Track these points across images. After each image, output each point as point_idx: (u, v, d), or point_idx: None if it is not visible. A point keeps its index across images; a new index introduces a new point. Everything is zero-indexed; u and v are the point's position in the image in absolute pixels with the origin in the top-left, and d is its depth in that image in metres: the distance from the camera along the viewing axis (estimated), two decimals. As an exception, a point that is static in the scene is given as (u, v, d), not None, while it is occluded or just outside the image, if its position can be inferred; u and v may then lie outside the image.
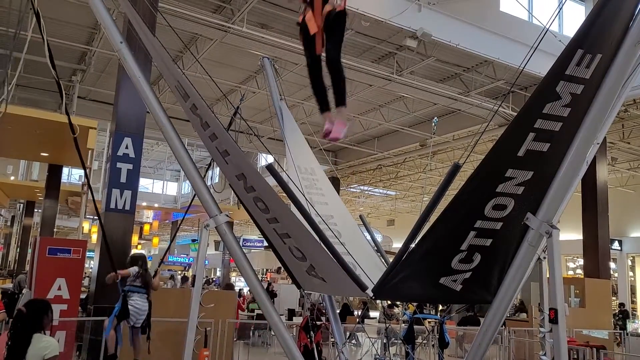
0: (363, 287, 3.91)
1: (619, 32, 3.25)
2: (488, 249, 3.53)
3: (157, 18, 8.75)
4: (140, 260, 6.31)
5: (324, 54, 3.84)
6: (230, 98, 15.82)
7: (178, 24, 10.53)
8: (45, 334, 4.22)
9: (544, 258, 3.98)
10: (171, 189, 39.60)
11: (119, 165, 7.70)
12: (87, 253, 8.15)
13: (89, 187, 6.27)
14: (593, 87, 3.25)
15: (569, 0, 14.58)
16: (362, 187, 26.40)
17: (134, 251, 8.53)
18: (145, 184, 32.19)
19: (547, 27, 3.54)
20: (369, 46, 13.01)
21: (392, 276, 3.69)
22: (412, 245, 3.53)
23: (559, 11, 12.37)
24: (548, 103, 3.21)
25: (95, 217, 22.75)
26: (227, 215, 3.93)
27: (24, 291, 9.34)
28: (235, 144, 3.71)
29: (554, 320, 3.02)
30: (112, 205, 7.57)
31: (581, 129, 3.20)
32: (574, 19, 14.41)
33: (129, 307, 5.97)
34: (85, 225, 21.76)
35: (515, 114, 12.84)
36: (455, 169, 3.51)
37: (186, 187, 36.86)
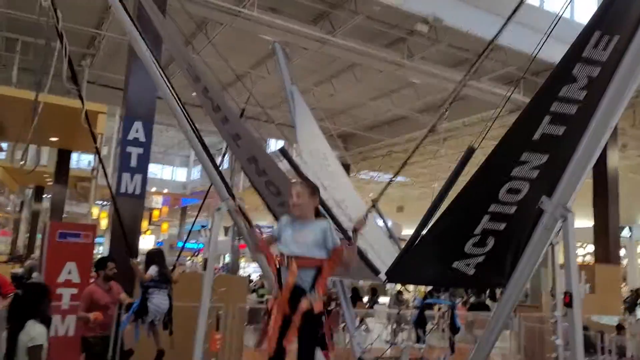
0: (376, 271, 3.93)
1: (637, 13, 3.19)
2: (502, 233, 3.52)
3: (168, 0, 8.75)
4: (157, 257, 6.16)
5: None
6: (240, 84, 15.77)
7: (188, 7, 10.48)
8: (48, 319, 4.18)
9: (557, 243, 3.96)
10: (180, 174, 39.77)
11: (129, 149, 7.68)
12: (97, 239, 8.19)
13: (105, 172, 6.27)
14: (610, 70, 3.21)
15: (582, -16, 14.34)
16: (372, 174, 26.34)
17: (145, 245, 8.47)
18: (154, 169, 32.36)
19: (560, 14, 3.48)
20: (379, 31, 12.88)
21: (405, 260, 3.70)
22: (425, 230, 3.53)
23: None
24: (564, 86, 3.18)
25: (104, 203, 22.91)
26: (240, 199, 3.93)
27: (34, 275, 9.44)
28: (246, 128, 3.69)
29: (569, 304, 3.00)
30: (123, 190, 7.56)
31: (598, 112, 3.17)
32: (586, 5, 14.19)
33: (149, 304, 5.78)
34: (95, 211, 21.93)
35: (527, 100, 12.76)
36: (470, 152, 3.50)
37: (195, 172, 36.98)
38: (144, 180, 7.77)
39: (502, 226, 3.51)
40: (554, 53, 4.44)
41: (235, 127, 4.03)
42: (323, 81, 16.54)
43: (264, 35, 11.98)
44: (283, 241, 3.32)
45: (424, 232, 3.53)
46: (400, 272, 3.73)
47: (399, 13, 11.62)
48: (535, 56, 3.75)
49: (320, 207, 3.52)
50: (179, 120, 3.69)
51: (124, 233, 5.98)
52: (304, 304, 3.12)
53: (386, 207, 29.45)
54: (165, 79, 3.66)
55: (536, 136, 3.27)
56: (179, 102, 3.62)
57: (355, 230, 3.32)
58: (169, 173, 39.52)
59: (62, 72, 5.02)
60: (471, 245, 3.54)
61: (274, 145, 26.04)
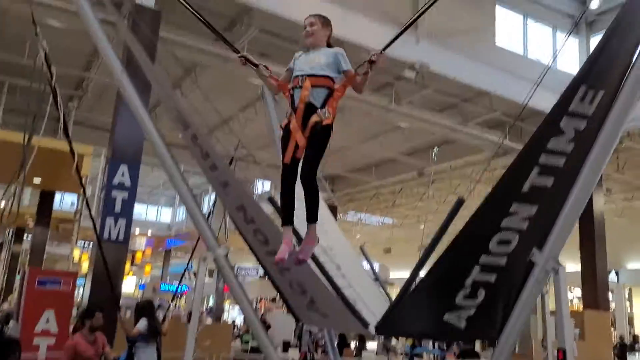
0: (365, 324, 3.84)
1: (621, 69, 3.27)
2: (493, 285, 3.47)
3: (157, 45, 8.82)
4: (147, 310, 5.96)
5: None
6: (229, 125, 15.83)
7: (178, 52, 10.59)
8: None
9: (546, 292, 3.92)
10: (165, 214, 39.32)
11: (114, 194, 7.58)
12: (78, 281, 7.97)
13: (92, 218, 6.14)
14: (596, 123, 3.25)
15: (563, 34, 14.81)
16: (359, 215, 26.31)
17: (126, 288, 8.28)
18: (139, 209, 31.98)
19: (548, 65, 3.56)
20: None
21: (395, 312, 3.63)
22: (416, 282, 3.48)
23: (559, 50, 12.58)
24: (552, 138, 3.21)
25: (86, 245, 22.44)
26: (226, 248, 3.86)
27: (10, 323, 9.11)
28: (235, 176, 3.65)
29: (562, 361, 2.94)
30: (106, 236, 7.40)
31: (585, 166, 3.19)
32: (568, 53, 14.62)
33: None
34: (76, 253, 21.43)
35: (512, 144, 12.91)
36: (459, 204, 3.48)
37: (181, 213, 36.63)
38: (128, 225, 7.63)
39: (493, 278, 3.48)
40: (538, 100, 4.51)
41: (224, 174, 3.99)
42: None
43: (252, 80, 12.10)
44: (297, 68, 3.52)
45: (414, 284, 3.48)
46: (390, 324, 3.65)
47: (387, 59, 11.83)
48: (525, 105, 3.81)
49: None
50: (169, 176, 3.65)
51: (112, 285, 5.81)
52: (314, 118, 3.33)
53: (374, 250, 29.46)
54: (155, 132, 3.65)
55: (525, 188, 3.29)
56: (171, 158, 3.59)
57: (371, 62, 3.42)
58: (153, 213, 39.09)
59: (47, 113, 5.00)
60: (462, 297, 3.49)
61: (261, 186, 26.01)
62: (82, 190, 5.77)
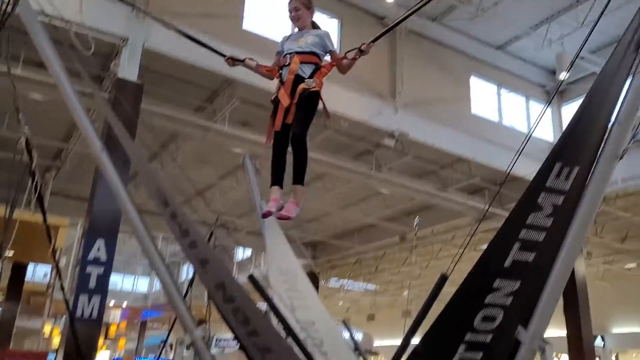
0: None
1: (595, 143, 3.34)
2: (479, 364, 3.39)
3: (139, 117, 8.87)
4: None
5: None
6: (210, 193, 15.78)
7: (159, 122, 10.68)
8: None
9: (534, 366, 3.82)
10: (142, 284, 38.21)
11: (89, 269, 7.38)
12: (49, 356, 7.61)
13: (64, 295, 5.92)
14: (573, 198, 3.29)
15: (536, 103, 15.37)
16: (341, 281, 25.98)
17: None
18: (115, 279, 31.09)
19: (529, 134, 3.64)
20: (348, 144, 13.29)
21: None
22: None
23: (536, 124, 12.98)
24: (531, 213, 3.23)
25: (57, 320, 21.53)
26: (203, 330, 3.72)
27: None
28: (215, 253, 3.59)
29: None
30: (79, 313, 7.14)
31: (566, 240, 3.20)
32: (541, 121, 15.08)
33: None
34: (47, 328, 20.48)
35: (492, 209, 13.05)
36: (442, 280, 3.44)
37: (158, 283, 35.61)
38: (103, 301, 7.38)
39: (479, 356, 3.40)
40: (516, 166, 4.60)
41: (203, 252, 3.91)
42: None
43: (234, 149, 12.19)
44: (286, 48, 3.78)
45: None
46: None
47: (366, 128, 12.08)
48: (508, 175, 3.86)
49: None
50: (147, 256, 3.58)
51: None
52: (302, 85, 3.55)
53: (357, 317, 28.96)
54: (135, 213, 3.60)
55: (507, 263, 3.28)
56: (151, 242, 3.53)
57: (361, 51, 3.64)
58: (130, 283, 38.03)
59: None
60: (448, 378, 3.39)
61: (242, 254, 25.67)
62: (56, 266, 5.60)
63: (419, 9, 3.83)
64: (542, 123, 15.17)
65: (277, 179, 3.71)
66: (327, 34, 3.84)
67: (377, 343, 24.76)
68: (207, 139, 11.94)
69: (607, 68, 3.29)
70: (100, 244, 7.51)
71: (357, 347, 6.43)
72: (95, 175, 8.36)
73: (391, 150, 12.77)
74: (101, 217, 7.80)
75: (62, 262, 14.41)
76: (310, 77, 3.66)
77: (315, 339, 4.50)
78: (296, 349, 4.04)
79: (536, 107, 15.44)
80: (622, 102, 3.24)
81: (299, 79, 3.62)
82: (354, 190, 16.11)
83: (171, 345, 22.00)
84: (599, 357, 20.09)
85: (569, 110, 15.13)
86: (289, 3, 3.86)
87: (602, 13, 3.60)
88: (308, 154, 3.68)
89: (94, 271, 7.37)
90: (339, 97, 11.47)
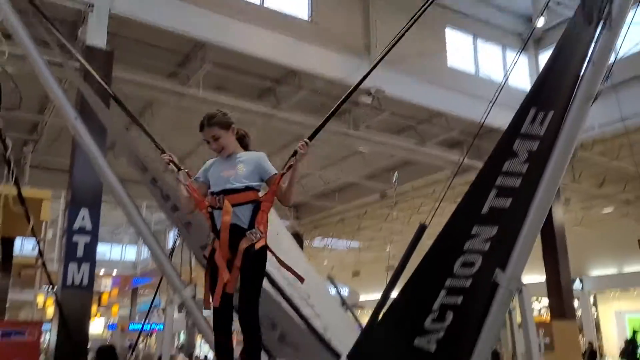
0: (337, 355, 3.82)
1: (569, 87, 3.39)
2: (459, 307, 3.51)
3: (112, 86, 8.72)
4: (107, 355, 5.79)
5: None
6: (188, 161, 15.67)
7: (132, 90, 10.50)
8: None
9: (513, 308, 3.99)
10: (130, 253, 38.29)
11: (75, 238, 7.41)
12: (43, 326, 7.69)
13: (44, 267, 5.95)
14: (548, 142, 3.36)
15: (512, 52, 15.34)
16: (325, 240, 26.30)
17: (95, 329, 8.05)
18: (102, 249, 31.07)
19: (500, 86, 3.67)
20: (324, 104, 13.23)
21: (367, 341, 3.62)
22: (384, 310, 3.49)
23: (509, 71, 12.93)
24: (507, 160, 3.30)
25: (50, 289, 21.67)
26: (192, 288, 3.79)
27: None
28: (198, 217, 3.61)
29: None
30: (69, 282, 7.22)
31: (541, 184, 3.28)
32: (518, 70, 15.12)
33: None
34: (40, 299, 20.59)
35: (470, 161, 13.24)
36: (421, 230, 3.53)
37: (146, 250, 35.76)
38: (92, 269, 7.46)
39: (460, 300, 3.52)
40: (493, 117, 4.67)
41: (186, 215, 3.95)
42: (272, 153, 16.66)
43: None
44: (212, 182, 3.00)
45: (383, 312, 3.49)
46: (362, 354, 3.64)
47: (342, 86, 12.01)
48: (482, 125, 3.89)
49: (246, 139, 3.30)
50: (133, 226, 3.60)
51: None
52: (243, 243, 2.80)
53: (342, 273, 29.40)
54: (114, 179, 3.60)
55: (485, 210, 3.36)
56: (133, 206, 3.54)
57: (295, 154, 2.99)
58: (118, 252, 38.07)
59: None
60: (431, 321, 3.52)
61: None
62: (38, 238, 5.59)
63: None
64: (519, 72, 15.21)
65: None
66: (262, 157, 3.13)
67: (363, 298, 25.29)
68: (183, 105, 11.80)
69: (579, 12, 3.32)
70: (84, 213, 7.52)
71: (343, 302, 6.61)
72: (73, 146, 8.28)
73: (368, 107, 12.74)
74: (83, 186, 7.78)
75: (50, 235, 14.38)
76: (252, 223, 2.88)
77: (302, 293, 4.61)
78: (284, 304, 4.16)
79: (513, 56, 15.42)
80: (595, 44, 3.27)
81: (237, 230, 2.85)
82: (333, 149, 16.13)
83: (163, 310, 22.16)
84: (578, 299, 20.83)
85: (546, 58, 15.14)
86: (203, 134, 3.10)
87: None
88: (260, 330, 2.90)
89: (81, 240, 7.41)
90: (312, 56, 11.37)
